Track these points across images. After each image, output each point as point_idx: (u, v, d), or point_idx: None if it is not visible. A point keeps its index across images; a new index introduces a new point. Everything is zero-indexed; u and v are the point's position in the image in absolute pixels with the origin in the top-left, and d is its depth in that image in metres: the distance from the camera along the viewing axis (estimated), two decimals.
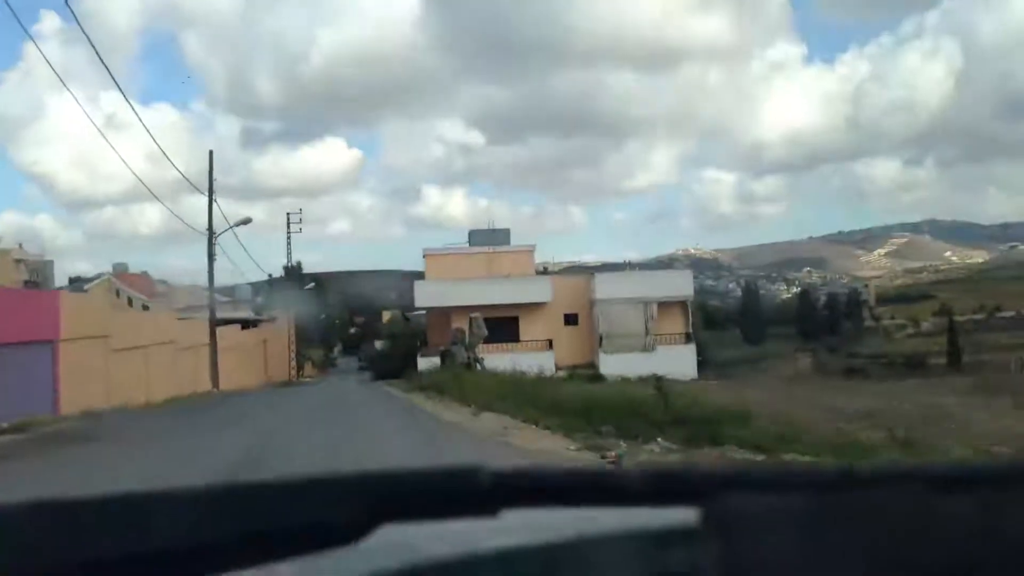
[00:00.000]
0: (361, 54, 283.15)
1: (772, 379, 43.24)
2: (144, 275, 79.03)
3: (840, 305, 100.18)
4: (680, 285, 41.57)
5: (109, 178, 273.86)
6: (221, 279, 70.57)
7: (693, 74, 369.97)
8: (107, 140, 25.50)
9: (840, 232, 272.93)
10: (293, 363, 51.34)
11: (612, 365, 35.34)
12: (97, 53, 24.50)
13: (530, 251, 45.16)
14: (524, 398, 15.21)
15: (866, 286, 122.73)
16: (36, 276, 61.61)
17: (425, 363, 34.95)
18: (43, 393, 15.77)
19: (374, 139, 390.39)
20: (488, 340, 32.54)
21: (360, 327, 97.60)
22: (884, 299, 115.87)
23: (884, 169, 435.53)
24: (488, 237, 44.76)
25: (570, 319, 41.33)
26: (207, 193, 30.91)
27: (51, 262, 73.18)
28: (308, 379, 56.42)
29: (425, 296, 41.16)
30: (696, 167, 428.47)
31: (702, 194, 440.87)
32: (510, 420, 13.04)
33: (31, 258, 68.01)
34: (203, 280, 73.71)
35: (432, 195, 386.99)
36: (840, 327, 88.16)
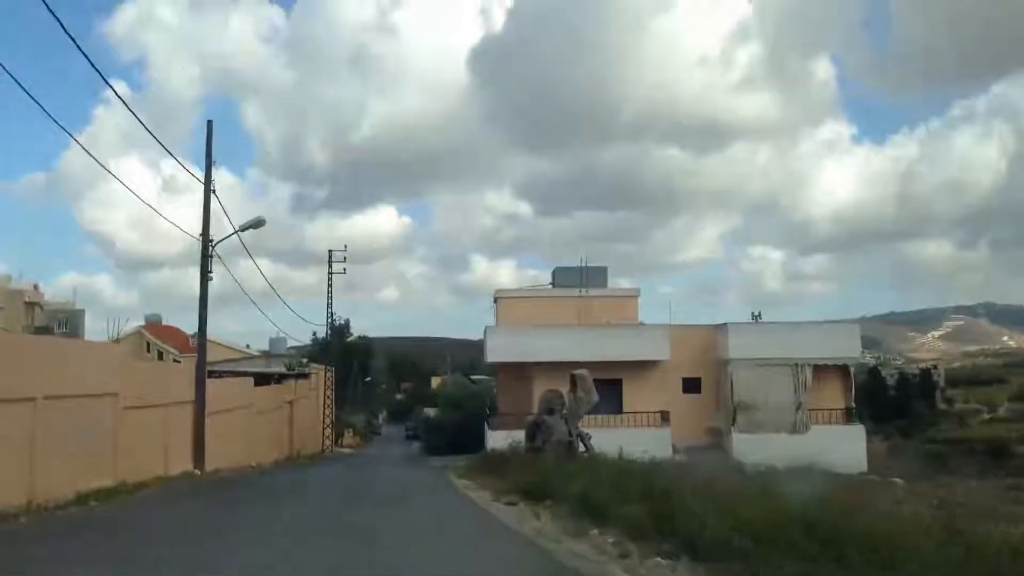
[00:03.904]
0: (411, 124, 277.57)
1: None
2: (184, 331, 70.76)
3: (912, 387, 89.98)
4: (843, 344, 30.69)
5: (167, 239, 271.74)
6: (263, 344, 62.23)
7: (741, 151, 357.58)
8: (151, 206, 18.65)
9: (892, 313, 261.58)
10: (328, 431, 41.52)
11: (747, 448, 26.09)
12: (145, 127, 18.95)
13: (635, 296, 34.80)
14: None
15: (935, 367, 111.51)
16: (59, 325, 53.78)
17: (496, 438, 25.63)
18: None
19: (423, 208, 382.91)
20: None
21: (408, 393, 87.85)
22: (953, 382, 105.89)
23: (936, 250, 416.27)
24: (579, 277, 34.45)
25: (690, 385, 30.90)
26: (204, 183, 21.69)
27: (81, 311, 65.59)
28: (347, 449, 46.81)
29: (498, 349, 30.89)
30: (743, 243, 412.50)
31: (749, 270, 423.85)
32: None
33: (55, 305, 60.47)
34: (255, 343, 65.11)
35: (480, 265, 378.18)
36: (912, 410, 78.46)
